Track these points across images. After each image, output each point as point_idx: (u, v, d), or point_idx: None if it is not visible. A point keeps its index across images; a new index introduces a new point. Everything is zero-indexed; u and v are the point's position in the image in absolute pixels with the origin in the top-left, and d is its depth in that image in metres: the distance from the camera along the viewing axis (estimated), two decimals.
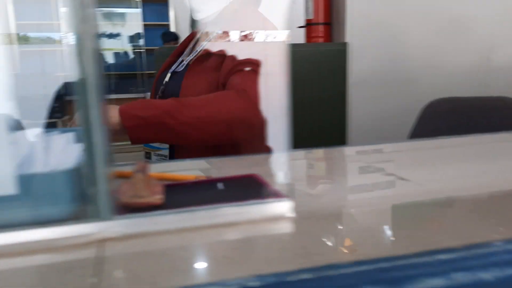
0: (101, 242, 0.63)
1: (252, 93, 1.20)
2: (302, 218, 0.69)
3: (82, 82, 0.61)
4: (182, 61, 1.47)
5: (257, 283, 0.50)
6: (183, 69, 1.43)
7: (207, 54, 1.37)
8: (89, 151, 0.63)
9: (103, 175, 0.64)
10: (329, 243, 0.61)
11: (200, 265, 0.57)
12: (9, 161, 0.61)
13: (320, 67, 2.53)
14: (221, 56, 1.32)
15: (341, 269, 0.53)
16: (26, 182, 0.62)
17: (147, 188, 0.74)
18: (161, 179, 0.88)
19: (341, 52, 2.54)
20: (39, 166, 0.66)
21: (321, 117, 2.59)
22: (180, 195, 0.80)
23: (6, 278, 0.53)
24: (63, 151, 0.81)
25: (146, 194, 0.73)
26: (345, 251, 0.58)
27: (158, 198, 0.72)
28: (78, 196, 0.66)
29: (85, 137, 0.63)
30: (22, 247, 0.60)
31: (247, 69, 1.26)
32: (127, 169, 0.88)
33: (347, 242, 0.61)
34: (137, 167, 0.78)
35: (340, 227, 0.70)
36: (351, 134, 2.62)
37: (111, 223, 0.64)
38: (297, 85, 2.47)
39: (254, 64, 1.26)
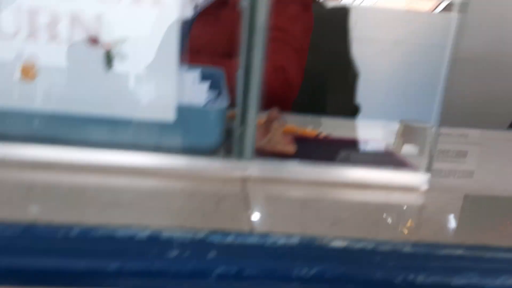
0: (243, 179, 0.66)
1: (292, 71, 1.11)
2: (435, 192, 0.68)
3: (250, 25, 0.62)
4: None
5: (408, 249, 0.51)
6: (193, 16, 1.20)
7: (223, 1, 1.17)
8: (245, 92, 0.65)
9: (253, 117, 0.65)
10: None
11: (335, 221, 0.58)
12: (173, 91, 0.64)
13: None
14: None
15: (494, 252, 0.52)
16: (183, 113, 0.65)
17: (282, 137, 0.75)
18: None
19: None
20: (192, 100, 0.69)
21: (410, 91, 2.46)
22: (307, 148, 0.81)
23: (160, 197, 0.57)
24: (199, 88, 0.84)
25: (281, 142, 0.74)
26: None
27: (292, 148, 0.74)
28: (224, 133, 0.69)
29: (244, 79, 0.64)
30: (172, 172, 0.64)
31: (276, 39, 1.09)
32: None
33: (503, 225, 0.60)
34: (272, 115, 0.79)
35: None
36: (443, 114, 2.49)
37: (253, 163, 0.67)
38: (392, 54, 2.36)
39: (284, 32, 1.13)
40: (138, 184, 0.60)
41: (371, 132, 1.03)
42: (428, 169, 0.69)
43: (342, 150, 0.85)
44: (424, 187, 0.69)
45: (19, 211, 0.49)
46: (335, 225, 0.54)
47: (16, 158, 0.61)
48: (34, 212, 0.50)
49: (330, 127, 1.06)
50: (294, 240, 0.50)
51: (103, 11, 0.60)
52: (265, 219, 0.54)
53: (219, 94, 0.87)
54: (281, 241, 0.49)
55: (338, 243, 0.50)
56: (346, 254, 0.50)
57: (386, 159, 0.82)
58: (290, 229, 0.52)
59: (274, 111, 0.81)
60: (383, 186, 0.68)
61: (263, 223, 0.53)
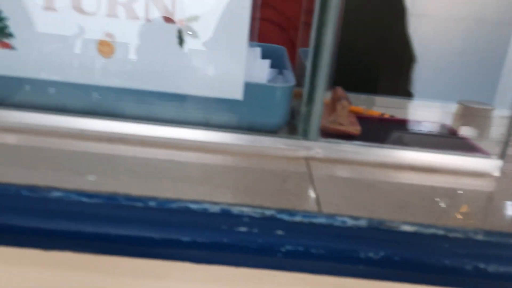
0: (307, 159, 0.66)
1: None
2: (508, 179, 0.66)
3: (323, 1, 0.61)
4: None
5: (480, 237, 0.49)
6: None
7: None
8: (313, 70, 0.64)
9: (321, 96, 0.65)
10: None
11: (403, 205, 0.57)
12: (242, 69, 0.64)
13: None
14: None
15: None
16: (249, 90, 0.66)
17: (347, 116, 0.74)
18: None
19: None
20: (253, 77, 0.70)
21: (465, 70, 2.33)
22: (372, 129, 0.80)
23: (227, 174, 0.59)
24: (260, 66, 0.84)
25: (346, 122, 0.73)
26: None
27: (357, 128, 0.73)
28: (289, 112, 0.69)
29: (313, 56, 0.64)
30: (238, 149, 0.66)
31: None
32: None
33: None
34: (337, 93, 0.78)
35: None
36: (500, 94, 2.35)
37: (317, 143, 0.67)
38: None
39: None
40: (205, 161, 0.62)
41: (426, 113, 1.00)
42: (502, 155, 0.66)
43: (408, 132, 0.83)
44: (496, 173, 0.66)
45: (100, 182, 0.52)
46: (403, 209, 0.54)
47: (93, 132, 0.65)
48: (113, 184, 0.52)
49: (384, 106, 1.04)
50: (362, 222, 0.50)
51: None
52: (331, 200, 0.54)
53: (280, 72, 0.87)
54: (349, 222, 0.49)
55: (407, 228, 0.50)
56: (415, 239, 0.49)
57: (455, 142, 0.79)
58: (357, 211, 0.52)
59: (339, 90, 0.80)
60: (452, 170, 0.66)
61: (329, 204, 0.53)
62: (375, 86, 1.57)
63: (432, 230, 0.50)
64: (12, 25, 0.63)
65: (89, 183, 0.52)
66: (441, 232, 0.50)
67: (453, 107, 1.02)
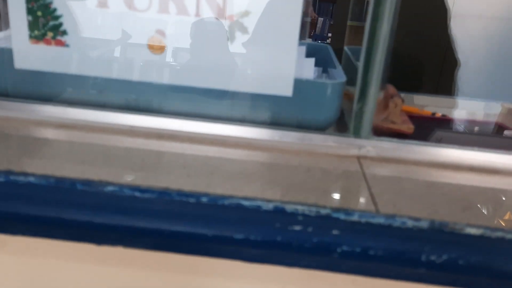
0: (359, 157, 0.63)
1: None
2: None
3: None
4: None
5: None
6: None
7: None
8: (366, 68, 0.62)
9: (374, 94, 0.63)
10: None
11: (466, 207, 0.54)
12: (292, 66, 0.63)
13: None
14: None
15: None
16: (299, 87, 0.64)
17: (400, 115, 0.71)
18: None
19: None
20: (302, 75, 0.68)
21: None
22: (424, 128, 0.77)
23: (280, 171, 0.57)
24: (306, 63, 0.82)
25: (399, 120, 0.71)
26: None
27: (410, 127, 0.70)
28: (339, 109, 0.67)
29: (366, 54, 0.62)
30: (288, 146, 0.64)
31: None
32: None
33: None
34: (389, 92, 0.76)
35: None
36: None
37: (369, 142, 0.64)
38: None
39: None
40: (255, 157, 0.61)
41: (476, 112, 0.95)
42: None
43: (462, 132, 0.79)
44: None
45: (151, 177, 0.52)
46: (467, 211, 0.51)
47: (143, 128, 0.65)
48: (165, 179, 0.52)
49: (428, 105, 1.00)
50: (423, 224, 0.47)
51: None
52: (388, 199, 0.52)
53: (324, 70, 0.85)
54: (409, 223, 0.47)
55: (472, 230, 0.47)
56: (481, 243, 0.46)
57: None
58: (417, 212, 0.49)
59: (391, 88, 0.77)
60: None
61: (387, 203, 0.51)
62: (418, 85, 1.52)
63: (499, 234, 0.47)
64: (66, 23, 0.64)
65: (141, 178, 0.52)
66: (509, 236, 0.47)
67: (496, 108, 0.97)
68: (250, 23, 0.62)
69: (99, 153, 0.57)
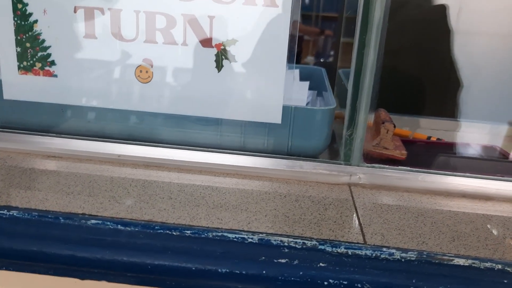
0: (350, 185, 0.63)
1: None
2: None
3: (364, 19, 0.59)
4: None
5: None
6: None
7: None
8: (355, 94, 0.62)
9: (363, 121, 0.62)
10: None
11: (455, 236, 0.53)
12: (280, 93, 0.63)
13: None
14: None
15: None
16: (288, 113, 0.64)
17: (392, 140, 0.71)
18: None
19: None
20: (293, 99, 0.68)
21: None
22: (418, 153, 0.76)
23: (266, 201, 0.57)
24: (300, 87, 0.82)
25: (391, 146, 0.70)
26: None
27: (403, 153, 0.69)
28: (330, 135, 0.67)
29: (354, 78, 0.61)
30: (277, 174, 0.63)
31: None
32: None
33: None
34: (380, 116, 0.75)
35: None
36: None
37: (360, 169, 0.64)
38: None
39: None
40: (243, 186, 0.60)
41: (475, 135, 0.94)
42: None
43: (457, 156, 0.78)
44: None
45: (136, 209, 0.51)
46: (456, 240, 0.50)
47: (130, 157, 0.64)
48: (149, 211, 0.51)
49: (429, 127, 0.99)
50: (411, 255, 0.46)
51: (216, 12, 0.60)
52: (377, 230, 0.51)
53: (319, 93, 0.85)
54: (397, 254, 0.46)
55: (460, 261, 0.46)
56: (470, 274, 0.45)
57: (509, 167, 0.74)
58: (405, 242, 0.48)
59: (382, 112, 0.77)
60: (508, 198, 0.61)
61: (375, 234, 0.50)
62: (420, 107, 1.52)
63: (488, 264, 0.46)
64: (55, 54, 0.64)
65: (124, 210, 0.51)
66: (499, 266, 0.46)
67: (504, 129, 0.96)
68: (237, 51, 0.62)
69: (85, 184, 0.57)
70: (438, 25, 1.56)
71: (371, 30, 0.58)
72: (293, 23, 0.61)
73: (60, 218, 0.48)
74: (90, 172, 0.61)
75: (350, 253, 0.46)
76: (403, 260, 0.46)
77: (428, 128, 1.03)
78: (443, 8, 1.59)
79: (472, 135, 0.97)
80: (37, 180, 0.57)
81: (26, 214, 0.49)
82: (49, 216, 0.48)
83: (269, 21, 0.60)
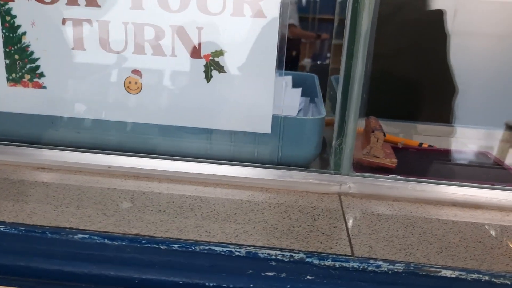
0: (340, 195, 0.63)
1: None
2: None
3: (352, 29, 0.59)
4: None
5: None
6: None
7: None
8: (344, 102, 0.62)
9: (353, 128, 0.62)
10: None
11: (443, 246, 0.53)
12: (270, 103, 0.63)
13: None
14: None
15: None
16: (278, 123, 0.64)
17: (382, 148, 0.71)
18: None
19: None
20: (284, 107, 0.68)
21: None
22: (409, 160, 0.76)
23: (255, 212, 0.57)
24: (292, 94, 0.82)
25: (381, 154, 0.70)
26: None
27: (393, 161, 0.69)
28: (320, 145, 0.67)
29: (343, 86, 0.61)
30: (266, 184, 0.63)
31: None
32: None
33: None
34: (370, 124, 0.75)
35: None
36: None
37: (350, 178, 0.64)
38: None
39: None
40: (233, 197, 0.60)
41: (468, 141, 0.94)
42: None
43: (448, 163, 0.78)
44: None
45: (123, 222, 0.51)
46: (444, 251, 0.50)
47: (120, 168, 0.64)
48: (137, 224, 0.51)
49: (424, 133, 0.99)
50: (398, 267, 0.46)
51: (204, 23, 0.60)
52: (365, 241, 0.51)
53: (311, 100, 0.85)
54: (384, 266, 0.46)
55: (447, 273, 0.46)
56: (457, 286, 0.45)
57: (500, 174, 0.74)
58: (393, 254, 0.48)
59: (372, 120, 0.77)
60: (498, 206, 0.61)
61: (363, 245, 0.50)
62: (414, 113, 1.52)
63: (475, 275, 0.46)
64: (43, 65, 0.64)
65: (112, 223, 0.51)
66: (486, 277, 0.46)
67: (498, 133, 0.96)
68: (226, 61, 0.62)
69: (74, 197, 0.57)
70: (435, 29, 1.56)
71: (358, 40, 0.59)
72: (281, 34, 0.61)
73: (47, 232, 0.48)
74: (80, 183, 0.61)
75: (337, 265, 0.46)
76: (390, 272, 0.46)
77: (422, 133, 1.03)
78: (440, 13, 1.60)
79: (466, 140, 0.98)
80: (26, 193, 0.57)
81: (13, 229, 0.49)
82: (36, 231, 0.48)
83: (257, 31, 0.60)
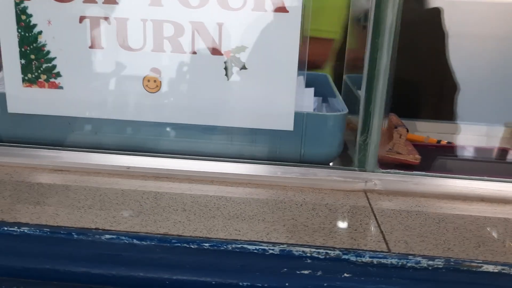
0: (366, 191, 0.61)
1: None
2: None
3: (377, 24, 0.58)
4: None
5: None
6: None
7: None
8: (369, 99, 0.61)
9: (378, 126, 0.61)
10: None
11: (480, 242, 0.52)
12: (292, 99, 0.61)
13: None
14: None
15: None
16: (300, 120, 0.63)
17: (405, 145, 0.70)
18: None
19: None
20: (301, 106, 0.66)
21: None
22: (430, 157, 0.75)
23: (283, 210, 0.55)
24: (305, 94, 0.81)
25: (404, 151, 0.69)
26: None
27: (417, 157, 0.68)
28: (342, 142, 0.65)
29: (367, 84, 0.60)
30: (291, 182, 0.62)
31: None
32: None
33: None
34: (393, 121, 0.74)
35: None
36: None
37: (376, 175, 0.62)
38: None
39: None
40: (257, 196, 0.59)
41: (481, 138, 0.93)
42: None
43: (469, 159, 0.77)
44: None
45: (149, 222, 0.50)
46: (481, 246, 0.48)
47: (139, 169, 0.63)
48: (164, 224, 0.50)
49: (428, 131, 0.98)
50: (438, 263, 0.44)
51: (224, 19, 0.59)
52: (399, 237, 0.49)
53: (324, 99, 0.84)
54: (424, 262, 0.44)
55: (490, 268, 0.44)
56: (500, 281, 0.44)
57: None
58: (430, 249, 0.47)
59: (394, 117, 0.76)
60: None
61: (398, 241, 0.48)
62: (418, 111, 1.51)
63: None
64: (60, 65, 0.62)
65: (139, 223, 0.49)
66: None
67: (500, 130, 0.95)
68: (247, 57, 0.61)
69: (96, 198, 0.55)
70: (434, 28, 1.55)
71: (383, 34, 0.57)
72: (303, 28, 0.60)
73: (73, 233, 0.47)
74: (100, 185, 0.59)
75: (375, 262, 0.45)
76: (430, 268, 0.44)
77: (426, 131, 1.02)
78: (437, 11, 1.59)
79: (481, 137, 0.96)
80: (46, 195, 0.56)
81: (38, 230, 0.47)
82: (62, 232, 0.47)
83: (279, 26, 0.59)
